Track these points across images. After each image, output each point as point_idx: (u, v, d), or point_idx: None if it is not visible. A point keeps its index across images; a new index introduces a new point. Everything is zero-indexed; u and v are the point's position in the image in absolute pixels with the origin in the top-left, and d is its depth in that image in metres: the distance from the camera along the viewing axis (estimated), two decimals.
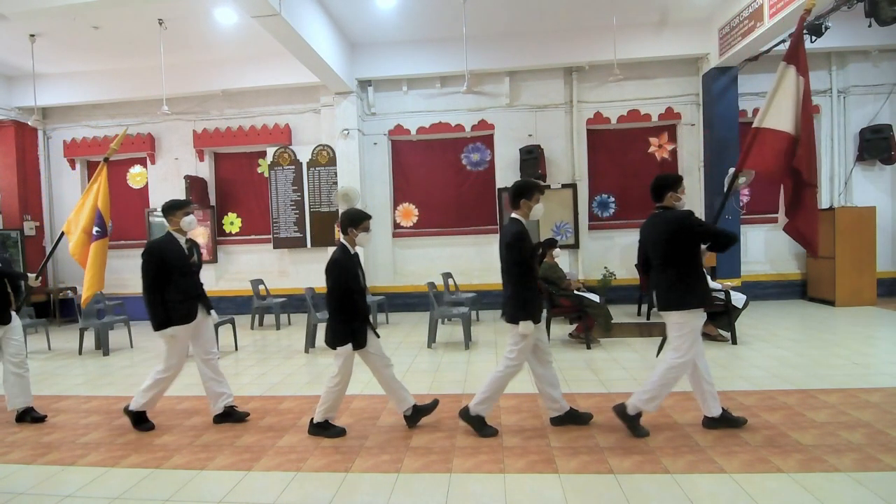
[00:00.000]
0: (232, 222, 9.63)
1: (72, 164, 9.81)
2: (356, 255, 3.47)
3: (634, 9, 7.61)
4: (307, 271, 9.06)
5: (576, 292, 5.98)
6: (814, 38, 6.66)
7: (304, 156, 9.07)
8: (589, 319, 5.77)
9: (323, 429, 3.48)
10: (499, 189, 8.88)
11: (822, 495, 2.48)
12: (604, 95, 8.76)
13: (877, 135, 8.07)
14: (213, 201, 9.56)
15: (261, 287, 8.38)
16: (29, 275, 4.31)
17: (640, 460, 2.92)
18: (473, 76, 8.24)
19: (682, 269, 3.19)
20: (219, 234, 9.56)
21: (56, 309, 9.28)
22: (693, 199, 8.78)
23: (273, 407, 4.13)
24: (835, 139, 8.53)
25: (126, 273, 9.35)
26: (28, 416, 3.98)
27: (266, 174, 9.33)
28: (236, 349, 6.44)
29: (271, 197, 9.16)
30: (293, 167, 9.10)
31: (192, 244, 3.88)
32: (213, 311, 3.93)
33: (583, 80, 8.77)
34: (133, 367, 5.75)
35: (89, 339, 6.85)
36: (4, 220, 9.29)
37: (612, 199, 9.06)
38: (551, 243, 6.52)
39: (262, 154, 9.36)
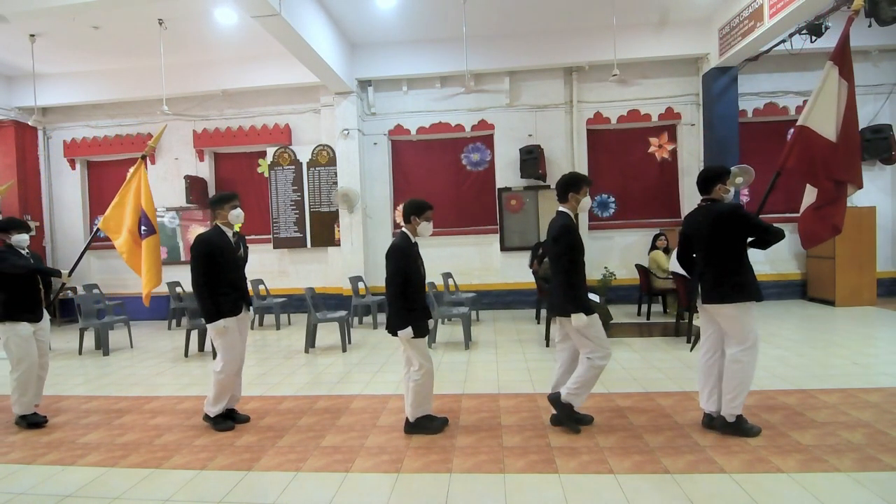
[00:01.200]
0: None
1: (72, 164, 9.81)
2: (416, 244, 3.47)
3: (634, 9, 7.61)
4: (307, 271, 9.06)
5: None
6: (814, 38, 6.67)
7: (304, 156, 9.07)
8: None
9: (423, 427, 3.40)
10: (499, 189, 8.88)
11: (822, 495, 2.48)
12: (604, 95, 8.76)
13: (877, 135, 8.06)
14: None
15: (261, 287, 8.39)
16: (62, 271, 4.27)
17: (640, 460, 2.92)
18: (473, 76, 8.25)
19: (732, 262, 3.16)
20: None
21: (56, 309, 9.27)
22: (693, 199, 8.77)
23: (273, 407, 4.14)
24: None
25: (126, 273, 9.31)
26: (25, 421, 3.90)
27: (266, 174, 9.33)
28: None
29: (271, 197, 9.16)
30: (293, 167, 9.10)
31: (239, 237, 3.85)
32: (251, 308, 3.92)
33: (583, 80, 8.77)
34: (133, 367, 5.75)
35: (89, 339, 6.85)
36: None
37: (612, 199, 9.06)
38: None
39: (262, 154, 9.36)
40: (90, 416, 4.11)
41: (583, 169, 8.83)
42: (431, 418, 3.46)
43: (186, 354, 6.11)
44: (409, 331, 3.27)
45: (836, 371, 4.53)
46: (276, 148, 9.12)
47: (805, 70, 8.47)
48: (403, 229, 3.48)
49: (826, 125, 3.35)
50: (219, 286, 3.58)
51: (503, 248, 8.88)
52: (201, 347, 6.33)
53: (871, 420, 3.36)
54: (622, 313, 7.69)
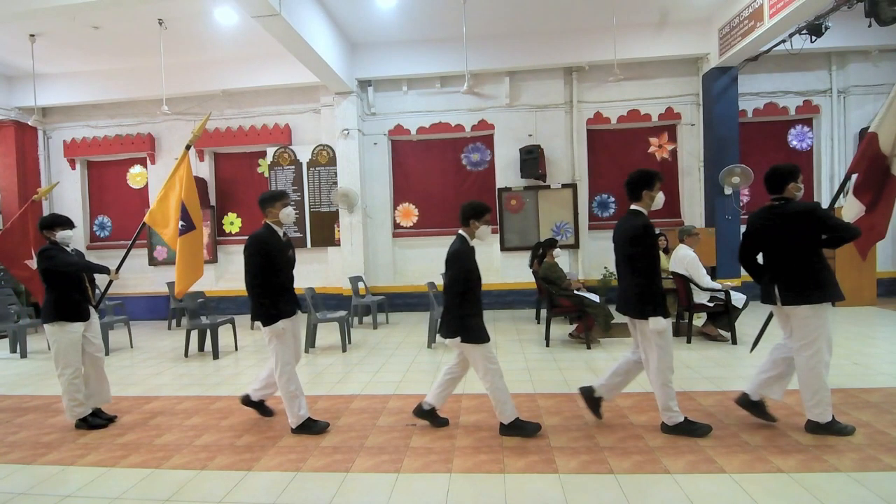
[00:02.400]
0: (232, 222, 9.63)
1: (72, 164, 9.82)
2: (473, 248, 3.40)
3: (634, 9, 7.61)
4: (307, 271, 9.05)
5: (576, 292, 5.98)
6: (814, 38, 6.67)
7: (304, 156, 9.07)
8: (589, 319, 5.77)
9: (518, 428, 3.31)
10: (499, 189, 8.89)
11: (822, 495, 2.48)
12: (604, 95, 8.76)
13: None
14: (213, 201, 9.56)
15: None
16: (110, 268, 4.15)
17: (640, 460, 2.92)
18: (473, 76, 8.25)
19: (810, 261, 3.09)
20: (219, 234, 9.56)
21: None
22: (693, 198, 8.79)
23: (273, 407, 4.13)
24: (835, 139, 8.53)
25: (126, 273, 9.30)
26: (99, 419, 3.83)
27: (266, 174, 9.33)
28: (236, 349, 6.43)
29: None
30: (293, 167, 9.10)
31: (287, 237, 3.72)
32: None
33: (583, 80, 8.77)
34: (133, 367, 5.75)
35: None
36: (4, 220, 9.29)
37: (612, 199, 9.06)
38: (551, 243, 6.53)
39: (262, 154, 9.37)
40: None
41: (582, 169, 8.84)
42: (523, 423, 3.36)
43: (186, 354, 6.11)
44: (479, 342, 3.22)
45: (836, 371, 4.51)
46: (276, 148, 9.12)
47: (805, 70, 8.48)
48: (461, 232, 3.40)
49: (887, 140, 3.41)
50: (273, 287, 3.47)
51: (503, 248, 8.88)
52: (201, 347, 6.33)
53: (871, 420, 3.36)
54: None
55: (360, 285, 8.22)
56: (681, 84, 8.66)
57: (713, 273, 7.76)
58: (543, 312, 6.85)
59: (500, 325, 7.39)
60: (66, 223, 3.95)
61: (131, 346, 6.85)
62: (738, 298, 5.66)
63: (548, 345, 5.91)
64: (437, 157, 9.21)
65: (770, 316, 3.41)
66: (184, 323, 8.23)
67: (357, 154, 8.71)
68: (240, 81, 8.86)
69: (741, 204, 8.40)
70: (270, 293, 3.45)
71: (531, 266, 7.44)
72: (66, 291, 3.76)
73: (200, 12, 7.06)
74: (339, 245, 8.94)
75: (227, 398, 4.44)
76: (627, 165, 8.97)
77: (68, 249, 3.91)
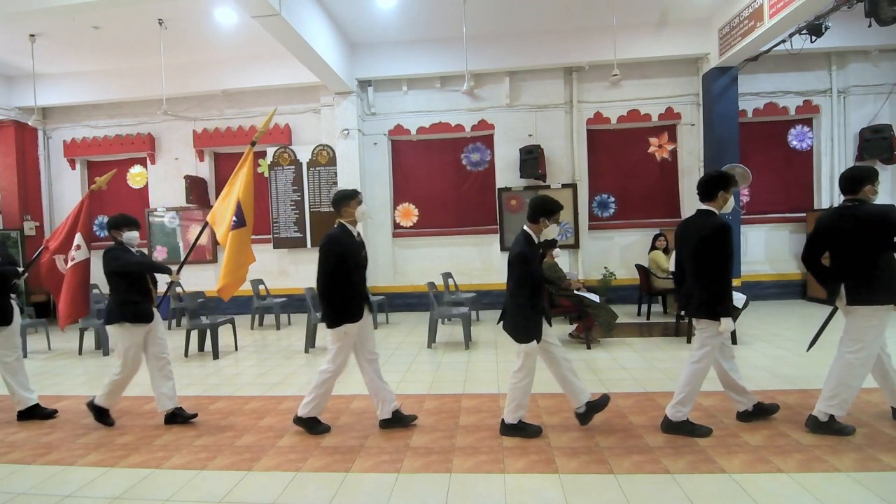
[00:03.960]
0: None
1: (72, 164, 9.82)
2: (537, 246, 3.33)
3: (634, 9, 7.61)
4: (307, 271, 9.04)
5: (576, 292, 5.98)
6: (814, 38, 6.67)
7: (304, 156, 9.07)
8: (589, 319, 5.77)
9: (519, 429, 3.30)
10: (499, 189, 8.89)
11: (822, 495, 2.48)
12: (604, 95, 8.76)
13: (877, 135, 8.07)
14: (212, 201, 9.55)
15: (261, 287, 8.39)
16: (171, 268, 4.05)
17: (640, 460, 2.92)
18: (473, 76, 8.24)
19: (879, 264, 3.07)
20: None
21: (56, 309, 9.27)
22: (693, 199, 8.76)
23: (273, 407, 4.13)
24: (835, 139, 8.53)
25: None
26: (179, 418, 3.80)
27: (266, 174, 9.33)
28: (236, 349, 6.44)
29: (271, 197, 9.16)
30: (293, 167, 9.10)
31: (361, 237, 3.62)
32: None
33: (583, 80, 8.77)
34: None
35: (89, 339, 6.85)
36: (4, 220, 9.29)
37: (612, 199, 9.06)
38: (551, 243, 6.50)
39: (262, 154, 9.35)
40: (90, 415, 4.10)
41: (582, 169, 8.84)
42: (526, 425, 3.35)
43: (186, 354, 6.11)
44: (533, 344, 3.21)
45: None
46: (276, 148, 9.12)
47: (805, 70, 8.48)
48: (526, 229, 3.31)
49: None
50: (345, 288, 3.38)
51: (503, 248, 8.88)
52: (201, 348, 6.33)
53: (871, 420, 3.37)
54: (622, 313, 7.68)
55: None
56: (681, 84, 8.66)
57: None
58: None
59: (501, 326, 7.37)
60: (134, 223, 3.88)
61: None
62: (738, 298, 5.63)
63: None
64: (437, 157, 9.21)
65: (830, 316, 3.41)
66: (184, 323, 8.23)
67: (357, 154, 8.71)
68: (240, 81, 8.86)
69: (741, 204, 8.40)
70: (342, 294, 3.37)
71: None
72: (130, 292, 3.70)
73: (200, 12, 7.06)
74: None
75: (226, 398, 4.44)
76: (627, 165, 8.99)
77: (133, 250, 3.85)
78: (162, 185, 9.55)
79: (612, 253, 8.91)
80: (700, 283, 3.19)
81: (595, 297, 5.95)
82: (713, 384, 4.25)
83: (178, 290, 6.45)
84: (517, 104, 8.83)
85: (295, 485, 2.80)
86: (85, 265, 4.25)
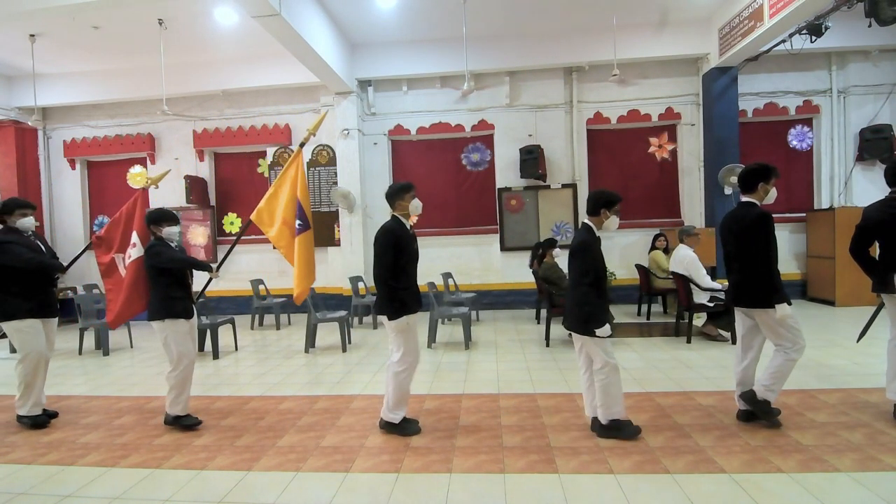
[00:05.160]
0: (232, 222, 9.63)
1: (72, 164, 9.81)
2: (599, 238, 3.31)
3: (634, 9, 7.61)
4: None
5: None
6: (814, 38, 6.67)
7: (304, 156, 9.05)
8: None
9: (615, 430, 3.21)
10: (499, 189, 8.88)
11: (822, 495, 2.48)
12: (604, 95, 8.76)
13: (877, 135, 8.07)
14: (213, 201, 9.56)
15: (261, 287, 8.39)
16: (212, 265, 4.02)
17: (640, 460, 2.92)
18: (473, 76, 8.24)
19: None
20: (219, 234, 9.55)
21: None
22: (693, 199, 8.78)
23: (273, 407, 4.13)
24: (835, 139, 8.53)
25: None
26: (180, 423, 3.72)
27: (266, 174, 9.33)
28: (236, 349, 6.44)
29: None
30: None
31: (413, 230, 3.58)
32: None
33: (583, 80, 8.77)
34: (133, 367, 5.75)
35: (89, 339, 6.85)
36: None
37: None
38: (551, 243, 6.53)
39: (262, 154, 9.36)
40: (90, 416, 4.11)
41: (582, 169, 8.84)
42: (624, 425, 3.24)
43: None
44: (607, 328, 3.12)
45: (836, 371, 4.53)
46: (276, 148, 9.12)
47: (805, 70, 8.48)
48: (587, 222, 3.31)
49: None
50: (402, 280, 3.37)
51: (503, 248, 8.88)
52: (201, 348, 6.32)
53: (871, 420, 3.36)
54: (622, 313, 7.69)
55: (360, 285, 8.22)
56: (681, 84, 8.66)
57: (713, 273, 7.75)
58: (543, 312, 6.85)
59: (500, 325, 7.39)
60: (173, 219, 3.84)
61: (131, 346, 6.85)
62: None
63: (548, 345, 5.91)
64: (437, 157, 9.21)
65: (879, 307, 3.46)
66: None
67: (357, 154, 8.71)
68: (240, 81, 8.86)
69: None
70: (400, 287, 3.36)
71: (531, 266, 7.45)
72: (173, 288, 3.68)
73: (200, 12, 7.06)
74: (339, 245, 8.94)
75: (227, 398, 4.44)
76: (627, 165, 8.98)
77: (173, 245, 3.80)
78: (162, 185, 9.43)
79: (612, 253, 8.90)
80: (748, 274, 3.23)
81: None
82: (713, 384, 4.26)
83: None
84: (517, 104, 8.83)
85: (295, 485, 2.80)
86: (140, 263, 4.12)
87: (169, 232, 3.78)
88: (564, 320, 3.38)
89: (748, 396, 3.34)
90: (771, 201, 3.35)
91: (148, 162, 9.67)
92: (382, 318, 3.41)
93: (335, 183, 8.91)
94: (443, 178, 9.19)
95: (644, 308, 7.59)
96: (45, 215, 9.80)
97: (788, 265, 8.68)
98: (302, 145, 4.43)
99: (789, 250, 8.71)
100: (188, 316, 3.75)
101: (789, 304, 3.12)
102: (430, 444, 3.26)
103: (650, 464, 2.87)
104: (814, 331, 6.23)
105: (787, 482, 2.62)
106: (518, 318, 8.00)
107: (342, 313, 6.31)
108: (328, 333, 7.00)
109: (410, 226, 3.52)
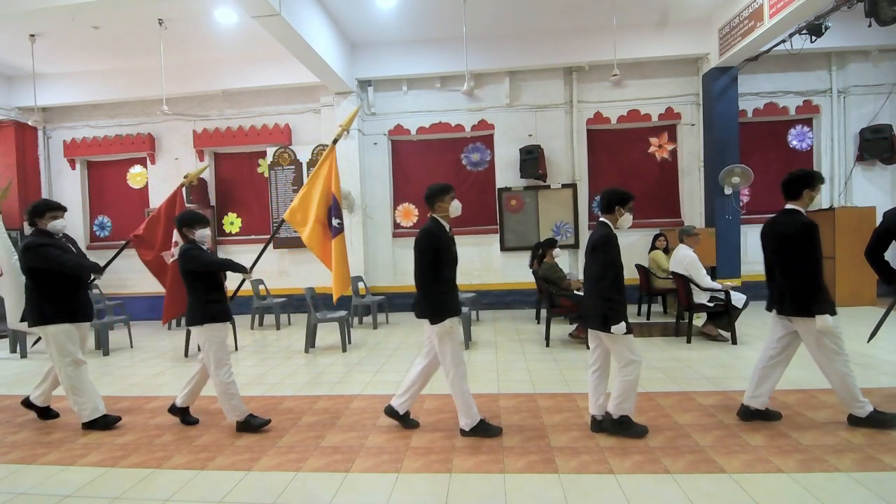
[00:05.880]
0: (232, 222, 9.63)
1: (72, 164, 9.82)
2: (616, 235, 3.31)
3: (634, 9, 7.61)
4: (307, 271, 9.05)
5: (576, 292, 5.98)
6: (814, 38, 6.67)
7: (304, 156, 9.07)
8: None
9: (626, 426, 3.20)
10: (499, 189, 8.88)
11: (822, 495, 2.48)
12: (604, 95, 8.76)
13: (877, 135, 8.07)
14: (213, 201, 9.56)
15: (261, 287, 8.39)
16: (245, 266, 3.97)
17: (640, 460, 2.92)
18: (473, 76, 8.24)
19: None
20: (219, 234, 9.56)
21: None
22: (693, 199, 8.79)
23: (273, 407, 4.13)
24: (835, 139, 8.53)
25: (126, 273, 9.33)
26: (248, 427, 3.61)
27: (266, 174, 9.33)
28: (236, 349, 6.44)
29: (271, 197, 9.16)
30: (293, 167, 9.10)
31: (452, 232, 3.52)
32: None
33: (583, 80, 8.77)
34: (133, 367, 5.74)
35: (89, 339, 6.81)
36: (4, 220, 9.21)
37: None
38: (551, 243, 6.53)
39: (262, 154, 9.36)
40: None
41: (582, 169, 8.84)
42: (633, 423, 3.24)
43: (186, 354, 6.11)
44: (622, 326, 3.10)
45: None
46: (276, 148, 9.12)
47: (805, 70, 8.49)
48: (603, 219, 3.34)
49: None
50: (443, 283, 3.32)
51: (503, 248, 8.88)
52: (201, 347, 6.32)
53: None
54: None
55: (360, 285, 8.22)
56: (681, 84, 8.66)
57: (713, 273, 7.76)
58: (543, 312, 6.85)
59: (500, 325, 7.39)
60: (205, 221, 3.78)
61: (131, 346, 6.85)
62: (738, 298, 5.66)
63: (548, 345, 5.91)
64: (437, 157, 9.21)
65: (890, 307, 3.47)
66: (184, 323, 8.22)
67: (357, 154, 8.71)
68: (240, 81, 8.86)
69: (741, 204, 8.40)
70: (442, 290, 3.31)
71: (531, 266, 7.45)
72: (209, 292, 3.62)
73: (200, 12, 7.06)
74: None
75: None
76: (627, 165, 8.98)
77: (204, 248, 3.75)
78: (162, 185, 9.53)
79: None
80: (791, 282, 3.19)
81: None
82: (713, 384, 4.26)
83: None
84: (517, 104, 8.83)
85: (295, 485, 2.80)
86: None
87: (201, 234, 3.73)
88: (583, 318, 3.37)
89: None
90: (815, 208, 3.30)
91: (148, 162, 9.67)
92: (424, 323, 3.36)
93: None
94: (443, 179, 9.07)
95: (644, 308, 7.59)
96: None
97: None
98: (335, 141, 4.38)
99: None
100: (227, 319, 3.69)
101: (833, 314, 3.08)
102: (430, 444, 3.26)
103: (650, 464, 2.87)
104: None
105: (787, 482, 2.62)
106: (518, 318, 8.00)
107: (342, 313, 6.30)
108: (328, 333, 7.00)
109: (450, 227, 3.48)
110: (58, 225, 3.88)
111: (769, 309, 3.43)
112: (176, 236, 4.08)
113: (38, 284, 3.72)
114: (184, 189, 4.69)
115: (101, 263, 4.12)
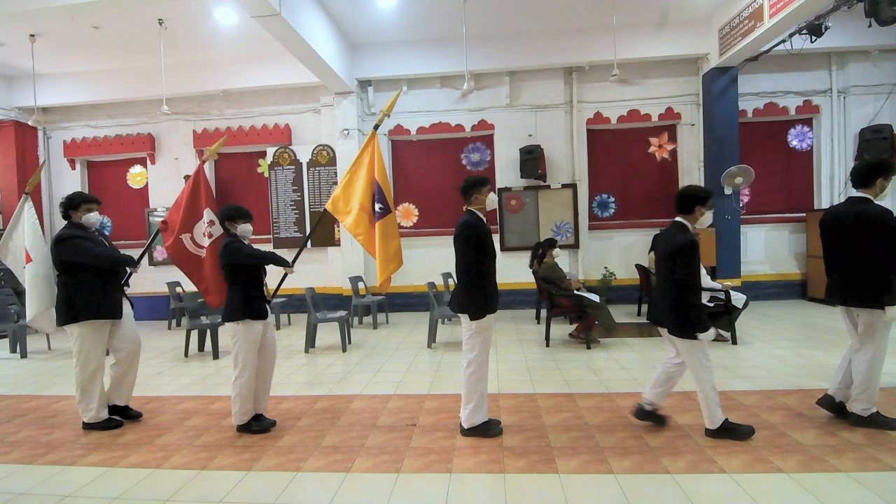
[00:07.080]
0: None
1: (72, 164, 9.82)
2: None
3: (634, 9, 7.60)
4: (307, 271, 9.05)
5: (576, 292, 5.98)
6: (814, 38, 6.67)
7: (304, 156, 9.07)
8: (589, 319, 5.77)
9: (729, 431, 3.12)
10: (499, 189, 8.88)
11: (822, 495, 2.48)
12: (604, 95, 8.76)
13: (877, 135, 8.06)
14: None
15: None
16: (287, 260, 3.94)
17: (640, 460, 2.92)
18: (473, 76, 8.24)
19: None
20: None
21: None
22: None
23: (273, 407, 4.13)
24: (835, 139, 8.53)
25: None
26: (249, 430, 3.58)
27: (266, 174, 9.33)
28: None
29: (271, 197, 9.16)
30: (293, 167, 9.10)
31: (489, 225, 3.45)
32: None
33: (583, 80, 8.77)
34: None
35: None
36: (5, 220, 9.29)
37: (612, 199, 9.06)
38: (551, 243, 6.53)
39: (262, 154, 9.36)
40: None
41: (582, 169, 8.83)
42: (734, 424, 3.17)
43: (186, 354, 6.11)
44: (712, 332, 3.03)
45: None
46: (276, 148, 9.12)
47: (805, 70, 8.48)
48: (680, 220, 3.25)
49: None
50: (484, 277, 3.27)
51: (503, 248, 8.87)
52: (201, 347, 6.33)
53: None
54: (622, 313, 7.69)
55: (360, 285, 8.22)
56: (681, 84, 8.66)
57: (713, 273, 7.76)
58: (543, 312, 6.85)
59: (500, 325, 7.39)
60: (248, 216, 3.75)
61: None
62: (738, 298, 5.66)
63: (548, 345, 5.91)
64: (437, 157, 9.21)
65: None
66: (184, 323, 8.23)
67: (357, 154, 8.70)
68: (240, 81, 8.86)
69: (741, 204, 8.40)
70: (484, 283, 3.26)
71: (531, 266, 7.45)
72: (249, 286, 3.56)
73: (200, 12, 7.06)
74: (339, 245, 8.94)
75: (226, 398, 4.43)
76: (627, 165, 8.98)
77: (245, 243, 3.69)
78: (162, 185, 9.54)
79: (612, 253, 8.91)
80: (860, 273, 3.11)
81: (595, 297, 5.95)
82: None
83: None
84: (517, 104, 8.83)
85: (295, 485, 2.80)
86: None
87: (243, 229, 3.69)
88: (660, 321, 3.21)
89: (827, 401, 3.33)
90: (884, 199, 3.22)
91: (148, 162, 9.66)
92: (463, 317, 3.31)
93: (335, 183, 8.91)
94: (443, 178, 9.19)
95: (644, 308, 7.58)
96: (45, 215, 9.80)
97: (788, 265, 8.68)
98: (376, 127, 4.34)
99: (789, 250, 8.72)
100: (264, 316, 3.62)
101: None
102: (430, 444, 3.26)
103: (650, 464, 2.87)
104: (814, 331, 6.23)
105: (787, 482, 2.62)
106: (518, 318, 8.00)
107: (342, 313, 6.30)
108: (328, 333, 7.00)
109: (486, 220, 3.43)
110: (92, 218, 3.81)
111: (832, 303, 3.33)
112: (210, 215, 4.02)
113: (70, 279, 3.67)
114: (205, 165, 4.58)
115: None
